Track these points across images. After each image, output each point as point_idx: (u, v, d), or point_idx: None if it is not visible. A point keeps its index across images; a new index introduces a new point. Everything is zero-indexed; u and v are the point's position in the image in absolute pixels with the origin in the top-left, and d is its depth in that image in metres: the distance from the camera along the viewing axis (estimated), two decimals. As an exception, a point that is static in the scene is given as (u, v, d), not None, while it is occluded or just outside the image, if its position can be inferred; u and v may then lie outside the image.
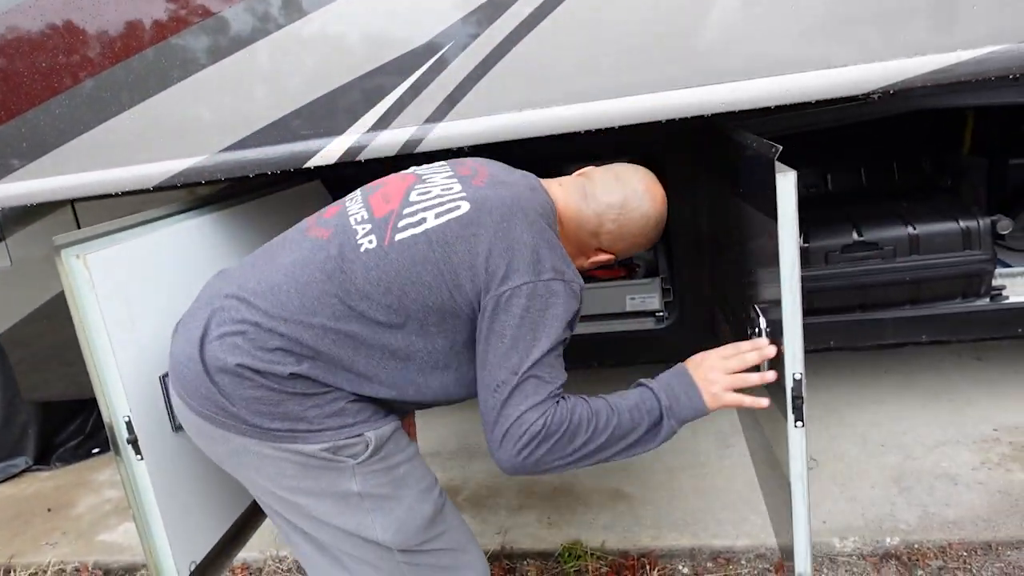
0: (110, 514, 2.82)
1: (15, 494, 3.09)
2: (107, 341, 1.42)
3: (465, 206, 1.26)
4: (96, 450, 3.39)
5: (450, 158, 1.52)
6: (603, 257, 1.49)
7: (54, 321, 2.83)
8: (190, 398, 1.26)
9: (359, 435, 1.24)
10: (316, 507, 1.27)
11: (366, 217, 1.30)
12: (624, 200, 1.41)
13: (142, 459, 1.47)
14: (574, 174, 1.50)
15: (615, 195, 1.41)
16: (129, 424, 1.45)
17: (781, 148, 1.33)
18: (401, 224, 1.26)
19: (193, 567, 1.60)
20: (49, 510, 2.91)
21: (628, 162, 1.52)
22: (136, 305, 1.50)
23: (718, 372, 1.32)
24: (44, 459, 3.30)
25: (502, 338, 1.19)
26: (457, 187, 1.32)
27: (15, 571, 2.52)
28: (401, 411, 1.38)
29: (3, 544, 2.70)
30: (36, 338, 2.87)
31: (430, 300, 1.23)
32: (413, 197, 1.31)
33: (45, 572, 2.50)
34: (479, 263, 1.22)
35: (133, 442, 1.46)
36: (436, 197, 1.30)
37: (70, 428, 3.38)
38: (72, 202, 2.56)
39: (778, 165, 1.30)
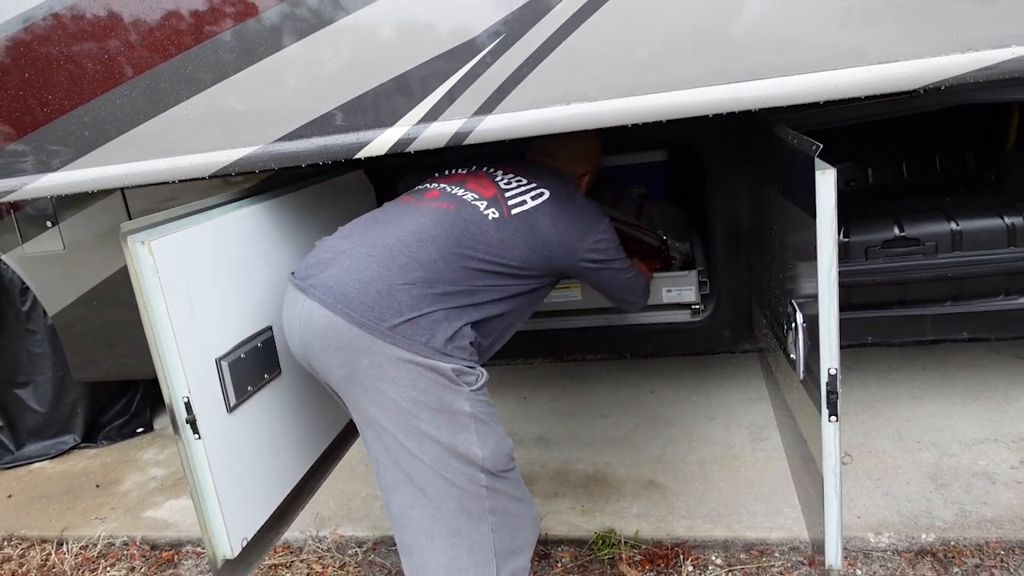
0: (155, 492, 2.92)
1: (65, 470, 3.21)
2: (168, 324, 1.47)
3: (547, 193, 1.76)
4: (140, 430, 3.50)
5: (484, 153, 1.91)
6: (588, 177, 2.08)
7: (104, 303, 2.93)
8: (354, 311, 1.47)
9: (474, 367, 1.55)
10: (431, 420, 1.48)
11: (478, 197, 1.71)
12: (571, 146, 1.99)
13: (199, 438, 1.53)
14: (531, 155, 2.02)
15: (566, 147, 1.98)
16: (188, 404, 1.52)
17: (822, 146, 1.33)
18: (511, 203, 1.71)
19: (244, 543, 1.66)
20: (97, 486, 3.02)
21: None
22: (195, 289, 1.56)
23: None
24: (91, 437, 3.41)
25: (610, 251, 1.88)
26: (526, 180, 1.80)
27: (67, 543, 2.63)
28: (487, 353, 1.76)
29: (55, 517, 2.81)
30: (86, 320, 2.98)
31: (545, 251, 1.72)
32: (503, 186, 1.76)
33: (95, 545, 2.60)
34: (575, 224, 1.77)
35: (192, 422, 1.52)
36: (519, 187, 1.77)
37: (116, 408, 3.49)
38: (122, 188, 2.65)
39: (818, 162, 1.31)
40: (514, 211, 1.70)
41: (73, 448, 3.37)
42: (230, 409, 1.64)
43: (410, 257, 1.54)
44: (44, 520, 2.81)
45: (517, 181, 1.79)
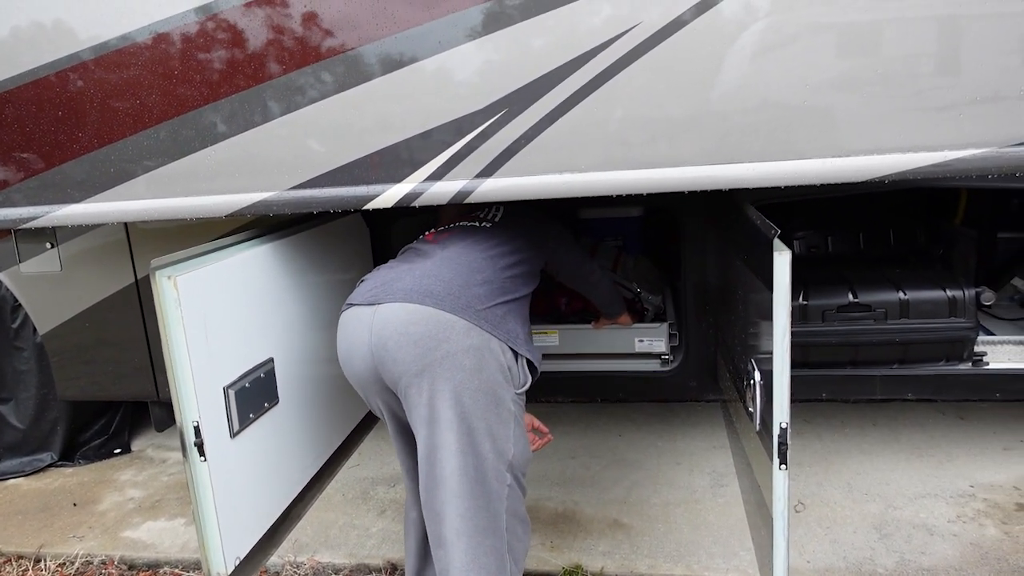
0: (133, 512, 2.97)
1: (41, 488, 3.24)
2: (186, 354, 1.60)
3: (502, 206, 2.12)
4: (118, 450, 3.54)
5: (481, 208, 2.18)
6: None
7: (95, 325, 3.01)
8: (441, 302, 1.70)
9: (533, 364, 1.84)
10: (485, 408, 1.68)
11: (468, 223, 2.03)
12: None
13: (205, 460, 1.65)
14: None
15: None
16: (197, 428, 1.63)
17: (779, 231, 1.52)
18: (488, 217, 2.06)
19: (237, 561, 1.76)
20: (75, 504, 3.06)
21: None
22: (210, 321, 1.68)
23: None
24: (68, 456, 3.44)
25: (565, 232, 2.25)
26: (483, 207, 2.13)
27: (45, 560, 2.67)
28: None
29: (31, 534, 2.85)
30: (77, 340, 3.05)
31: (530, 237, 2.04)
32: (476, 214, 2.10)
33: (73, 563, 2.65)
34: (538, 222, 2.14)
35: (199, 445, 1.63)
36: (485, 210, 2.12)
37: (95, 427, 3.53)
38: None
39: (776, 243, 1.49)
40: (496, 219, 2.06)
41: (49, 466, 3.39)
42: (233, 435, 1.76)
43: (467, 264, 1.81)
44: (20, 536, 2.84)
45: (479, 210, 2.13)
